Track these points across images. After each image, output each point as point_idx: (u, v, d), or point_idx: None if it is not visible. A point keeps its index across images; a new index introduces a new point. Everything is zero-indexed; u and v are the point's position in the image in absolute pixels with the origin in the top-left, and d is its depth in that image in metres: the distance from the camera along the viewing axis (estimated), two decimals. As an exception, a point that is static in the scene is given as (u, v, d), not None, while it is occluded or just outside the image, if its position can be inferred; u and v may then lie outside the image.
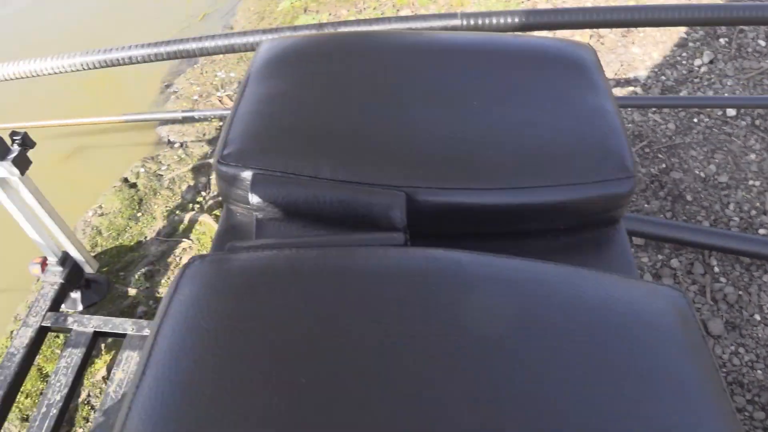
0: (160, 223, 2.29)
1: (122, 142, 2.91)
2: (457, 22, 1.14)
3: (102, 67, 1.44)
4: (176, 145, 2.69)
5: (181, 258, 2.15)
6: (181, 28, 3.66)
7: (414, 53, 0.93)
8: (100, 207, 2.44)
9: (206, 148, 2.60)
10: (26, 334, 1.90)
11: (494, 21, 1.14)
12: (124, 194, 2.44)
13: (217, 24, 3.63)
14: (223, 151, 0.80)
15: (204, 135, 2.68)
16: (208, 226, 2.19)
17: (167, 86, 3.15)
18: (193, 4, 3.92)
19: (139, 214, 2.36)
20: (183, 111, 1.21)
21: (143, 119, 1.22)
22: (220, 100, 2.83)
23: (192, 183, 2.43)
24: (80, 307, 2.09)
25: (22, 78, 1.48)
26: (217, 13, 3.76)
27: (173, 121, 2.79)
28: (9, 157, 1.61)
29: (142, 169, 2.55)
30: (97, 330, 1.86)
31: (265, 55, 0.95)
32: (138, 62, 1.44)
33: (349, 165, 0.75)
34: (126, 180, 2.53)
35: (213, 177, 2.44)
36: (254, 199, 0.73)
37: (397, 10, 3.25)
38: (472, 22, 1.12)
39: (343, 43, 0.97)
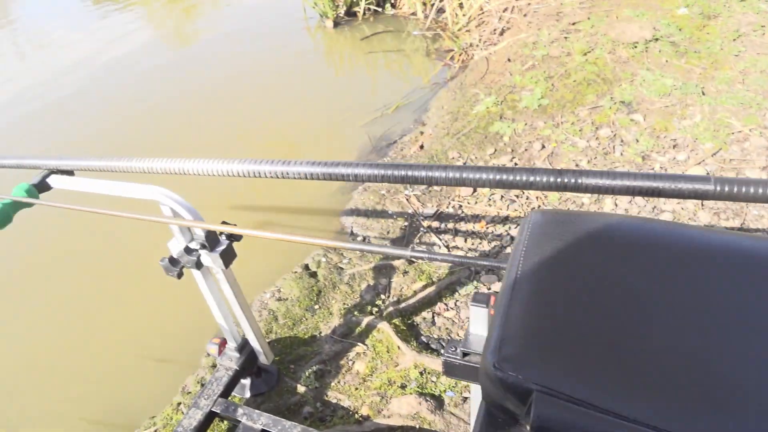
0: (336, 320, 2.25)
1: (307, 224, 2.96)
2: (710, 187, 0.99)
3: (325, 179, 1.40)
4: (359, 238, 2.69)
5: (353, 362, 2.09)
6: (373, 118, 3.75)
7: (713, 259, 0.80)
8: (279, 290, 2.45)
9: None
10: (195, 416, 1.89)
11: (752, 190, 0.97)
12: (303, 282, 2.44)
13: (409, 117, 3.68)
14: (499, 351, 0.70)
15: (388, 233, 2.66)
16: (386, 335, 2.12)
17: (355, 175, 3.20)
18: (388, 96, 4.02)
19: (316, 307, 2.34)
20: (413, 250, 1.13)
21: (369, 250, 1.17)
22: (407, 199, 2.82)
23: (372, 282, 2.39)
24: (248, 395, 2.07)
25: (245, 177, 1.48)
26: (410, 106, 3.83)
27: (365, 215, 2.80)
28: (217, 250, 1.64)
29: (324, 259, 2.55)
30: (265, 429, 1.82)
31: (536, 231, 0.86)
32: (363, 181, 1.39)
33: (653, 404, 0.62)
34: (307, 267, 2.54)
35: (395, 277, 2.39)
36: (534, 424, 0.63)
37: (596, 128, 3.12)
38: (726, 188, 0.96)
39: (631, 232, 0.85)
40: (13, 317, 2.84)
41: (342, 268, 2.50)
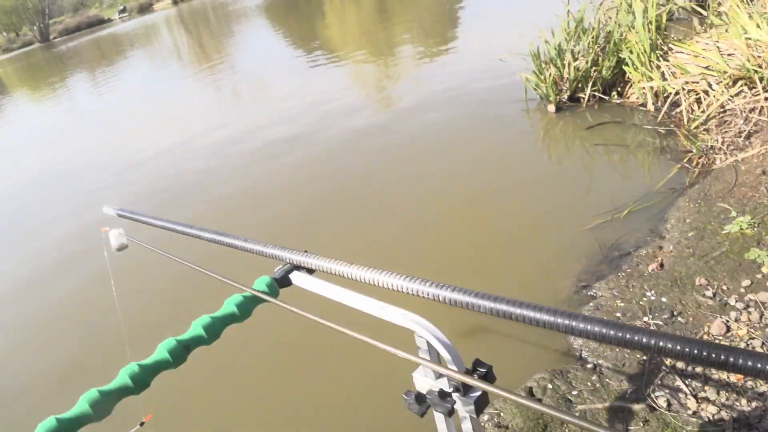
0: (565, 467, 2.03)
1: (527, 337, 2.78)
2: None
3: (613, 343, 1.18)
4: (589, 366, 2.45)
5: None
6: (601, 221, 3.50)
7: None
8: (499, 414, 2.28)
9: (625, 385, 2.30)
10: None
11: None
12: (527, 410, 2.25)
13: (643, 226, 3.38)
14: None
15: (623, 365, 2.40)
16: (628, 502, 1.86)
17: (584, 286, 2.97)
18: (614, 197, 3.76)
19: (542, 443, 2.13)
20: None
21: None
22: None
23: (605, 425, 2.13)
24: None
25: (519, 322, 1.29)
26: (643, 212, 3.53)
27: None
28: (472, 396, 1.49)
29: (550, 385, 2.34)
30: None
31: None
32: (663, 355, 1.15)
33: None
34: (531, 392, 2.35)
35: (633, 425, 2.12)
36: None
37: None
38: None
39: None
40: (227, 403, 2.92)
41: (571, 401, 2.27)
